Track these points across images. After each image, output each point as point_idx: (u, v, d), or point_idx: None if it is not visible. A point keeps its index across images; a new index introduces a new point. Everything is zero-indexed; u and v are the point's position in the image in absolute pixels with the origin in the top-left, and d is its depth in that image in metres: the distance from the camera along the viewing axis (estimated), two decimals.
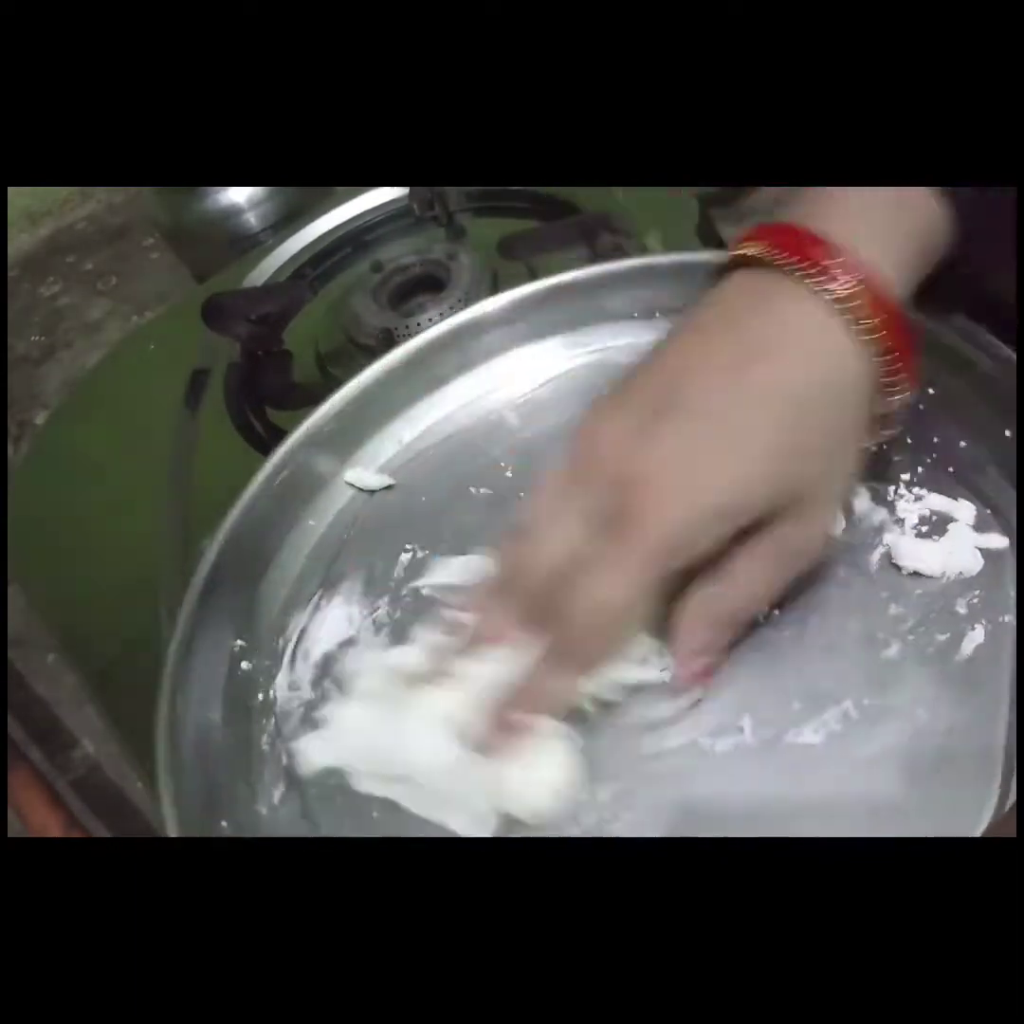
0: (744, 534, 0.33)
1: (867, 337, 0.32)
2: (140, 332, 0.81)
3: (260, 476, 0.44)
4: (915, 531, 0.37)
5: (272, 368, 0.62)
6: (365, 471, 0.46)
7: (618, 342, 0.48)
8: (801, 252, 0.33)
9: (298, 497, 0.45)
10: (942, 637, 0.35)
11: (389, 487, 0.46)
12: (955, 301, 0.39)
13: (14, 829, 0.55)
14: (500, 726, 0.34)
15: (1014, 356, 0.37)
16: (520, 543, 0.35)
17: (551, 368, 0.49)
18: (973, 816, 0.31)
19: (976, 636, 0.34)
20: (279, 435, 0.47)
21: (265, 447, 0.55)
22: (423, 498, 0.45)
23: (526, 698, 0.34)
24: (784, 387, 0.32)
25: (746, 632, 0.36)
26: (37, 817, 0.56)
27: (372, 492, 0.46)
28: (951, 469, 0.39)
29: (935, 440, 0.40)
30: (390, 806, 0.36)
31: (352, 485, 0.46)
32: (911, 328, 0.33)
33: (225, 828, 0.36)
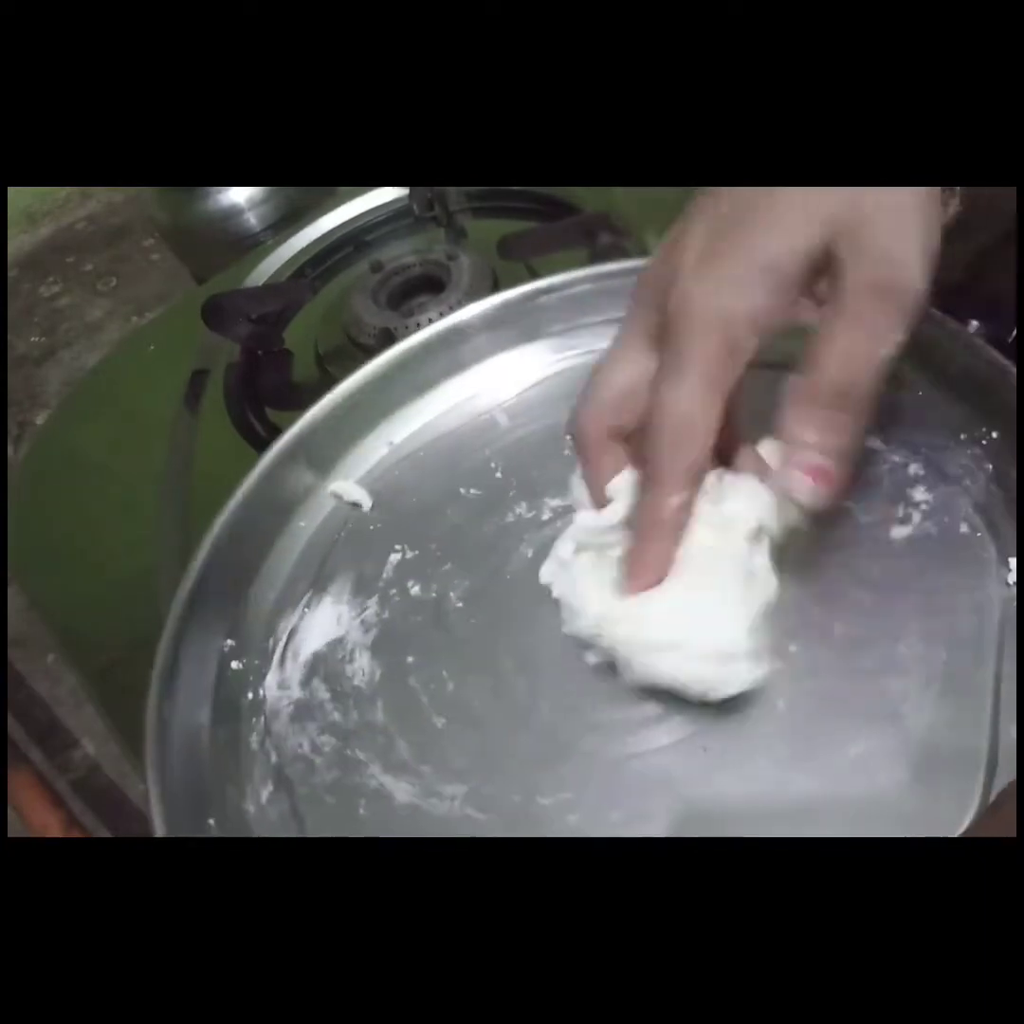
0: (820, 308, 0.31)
1: None
2: (140, 333, 0.82)
3: (249, 480, 0.44)
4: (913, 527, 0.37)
5: (272, 368, 0.62)
6: (348, 483, 0.46)
7: (607, 345, 0.48)
8: None
9: (288, 500, 0.46)
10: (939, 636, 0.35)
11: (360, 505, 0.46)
12: (955, 303, 0.38)
13: (14, 829, 0.55)
14: (635, 566, 0.34)
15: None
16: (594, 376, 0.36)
17: (540, 370, 0.49)
18: (963, 814, 0.31)
19: None
20: (279, 435, 0.47)
21: (265, 447, 0.55)
22: (414, 499, 0.45)
23: (645, 532, 0.34)
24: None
25: None
26: (37, 817, 0.56)
27: (355, 504, 0.46)
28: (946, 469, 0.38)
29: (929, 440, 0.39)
30: (378, 798, 0.36)
31: (336, 496, 0.46)
32: None
33: (213, 827, 0.36)
